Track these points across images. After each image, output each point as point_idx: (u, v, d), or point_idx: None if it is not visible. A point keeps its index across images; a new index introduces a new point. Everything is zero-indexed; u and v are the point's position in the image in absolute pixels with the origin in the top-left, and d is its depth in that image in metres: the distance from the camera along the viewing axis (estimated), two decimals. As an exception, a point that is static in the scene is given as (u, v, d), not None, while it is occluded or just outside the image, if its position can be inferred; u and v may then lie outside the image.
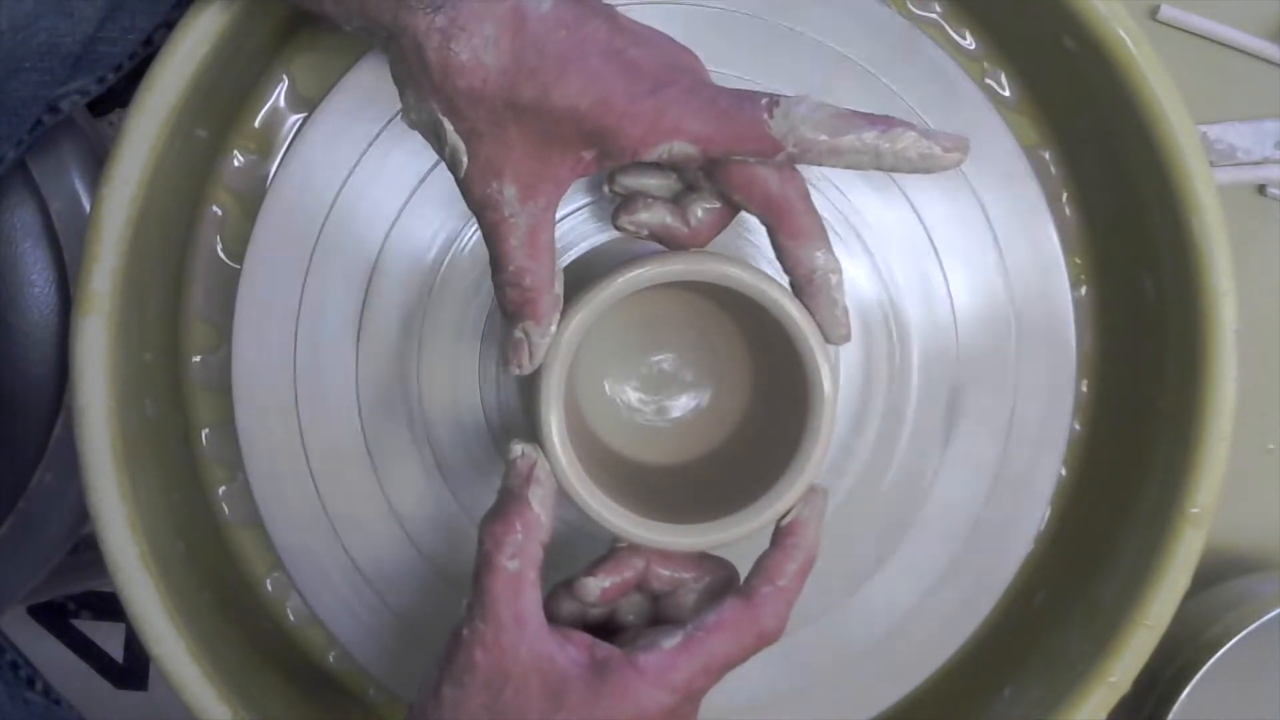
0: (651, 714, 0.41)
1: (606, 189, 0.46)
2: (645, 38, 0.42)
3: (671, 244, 0.45)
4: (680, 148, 0.41)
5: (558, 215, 0.51)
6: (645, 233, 0.45)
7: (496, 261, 0.43)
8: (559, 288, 0.44)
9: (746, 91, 0.42)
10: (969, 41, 0.54)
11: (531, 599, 0.42)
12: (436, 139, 0.42)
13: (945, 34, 0.54)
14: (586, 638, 0.43)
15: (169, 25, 0.47)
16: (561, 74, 0.40)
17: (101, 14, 0.45)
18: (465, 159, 0.42)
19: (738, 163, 0.43)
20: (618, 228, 0.45)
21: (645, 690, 0.41)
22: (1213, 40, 0.64)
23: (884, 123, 0.41)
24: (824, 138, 0.41)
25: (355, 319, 0.52)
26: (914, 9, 0.54)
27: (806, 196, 0.44)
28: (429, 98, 0.41)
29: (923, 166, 0.42)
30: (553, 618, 0.44)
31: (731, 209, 0.45)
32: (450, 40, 0.40)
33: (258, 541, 0.55)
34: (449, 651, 0.43)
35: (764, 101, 0.41)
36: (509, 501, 0.44)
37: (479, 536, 0.43)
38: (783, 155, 0.42)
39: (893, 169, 0.42)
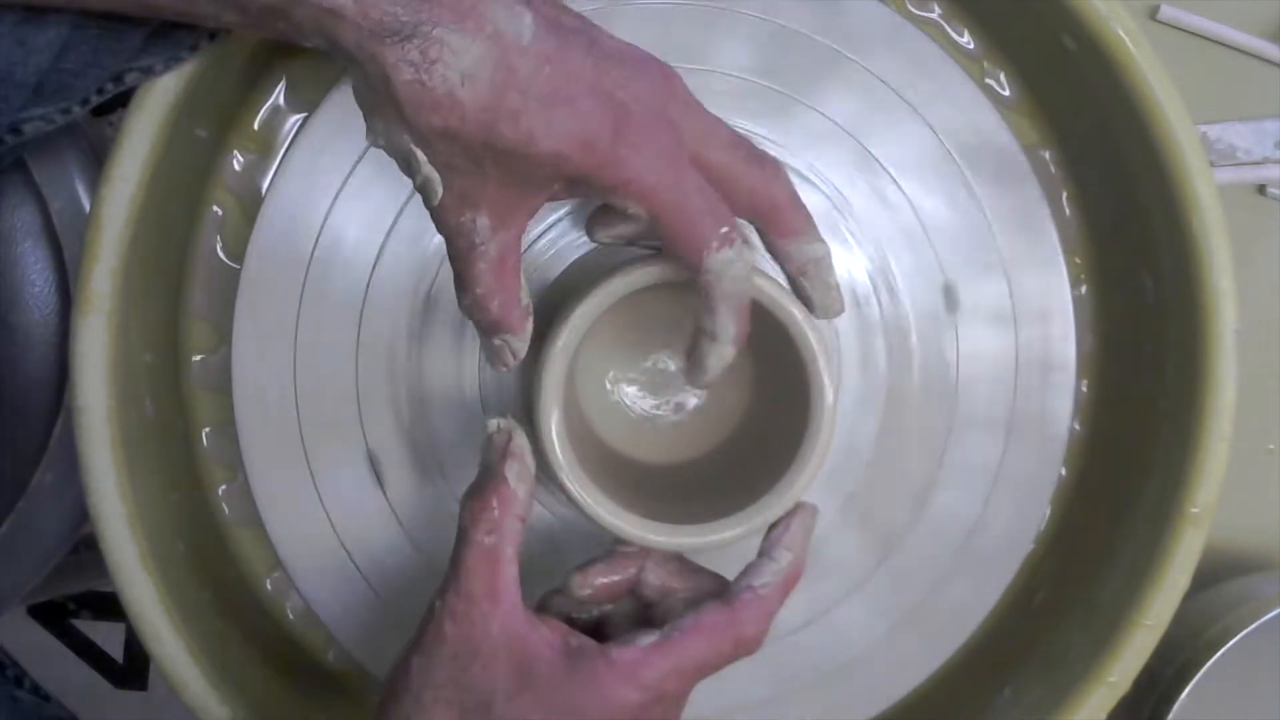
0: (618, 708, 0.41)
1: (591, 238, 0.45)
2: (630, 66, 0.41)
3: (652, 244, 0.45)
4: None
5: (555, 217, 0.52)
6: (624, 242, 0.45)
7: (463, 283, 0.43)
8: (526, 298, 0.44)
9: (747, 145, 0.43)
10: (968, 41, 0.54)
11: (507, 576, 0.42)
12: (407, 166, 0.41)
13: (945, 34, 0.54)
14: (562, 625, 0.43)
15: (144, 71, 0.46)
16: (547, 118, 0.39)
17: (55, 47, 0.44)
18: (439, 189, 0.41)
19: (728, 165, 0.43)
20: (594, 240, 0.45)
21: (614, 684, 0.41)
22: (1213, 40, 0.64)
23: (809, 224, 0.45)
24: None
25: (356, 318, 0.52)
26: (913, 9, 0.54)
27: (794, 194, 0.44)
28: (400, 129, 0.39)
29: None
30: (541, 613, 0.44)
31: None
32: (423, 73, 0.38)
33: (258, 541, 0.55)
34: (421, 624, 0.43)
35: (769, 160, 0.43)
36: (486, 478, 0.44)
37: (459, 512, 0.43)
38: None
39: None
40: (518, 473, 0.43)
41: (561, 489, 0.45)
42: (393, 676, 0.43)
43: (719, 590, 0.46)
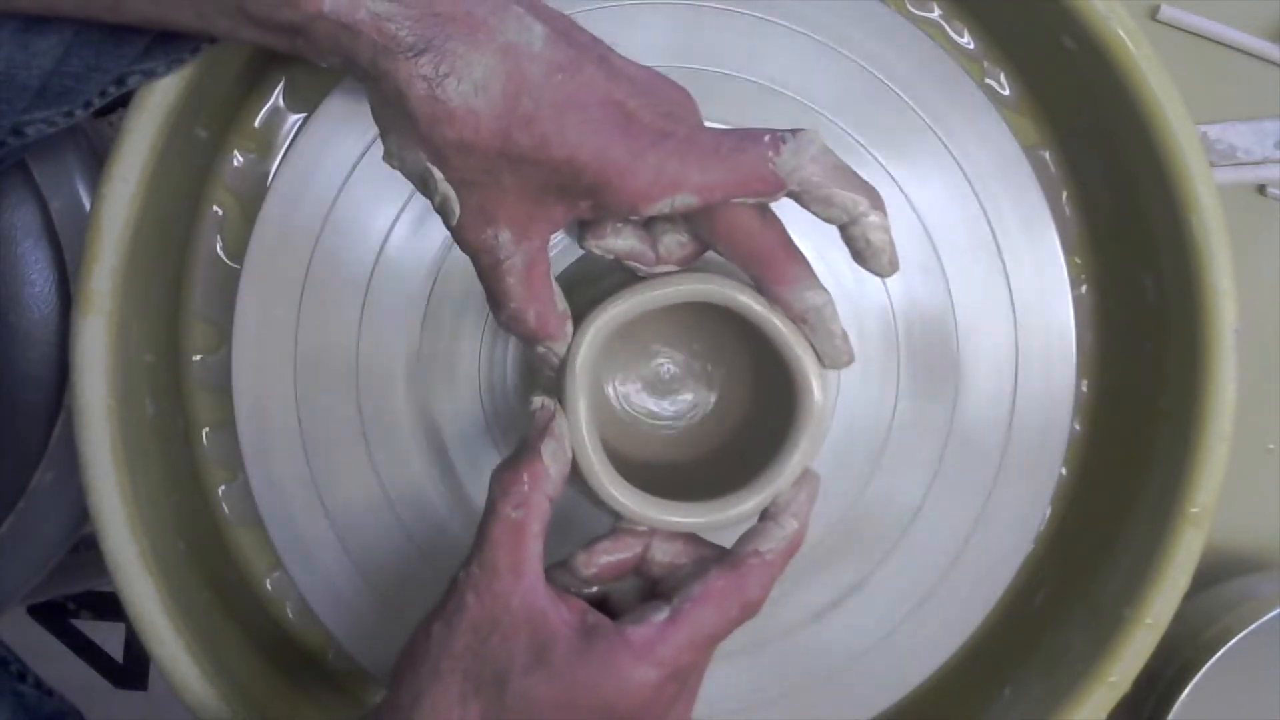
0: (634, 687, 0.41)
1: (581, 245, 0.45)
2: (641, 83, 0.41)
3: (638, 270, 0.45)
4: (682, 200, 0.41)
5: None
6: (611, 257, 0.44)
7: (495, 300, 0.43)
8: (562, 305, 0.44)
9: (744, 131, 0.41)
10: (968, 41, 0.54)
11: (532, 551, 0.42)
12: (424, 186, 0.41)
13: (944, 34, 0.54)
14: (581, 603, 0.43)
15: (147, 74, 0.47)
16: (560, 124, 0.39)
17: (58, 51, 0.44)
18: (458, 208, 0.41)
19: (724, 209, 0.42)
20: (584, 248, 0.45)
21: (630, 664, 0.41)
22: (1213, 40, 0.64)
23: (873, 194, 0.42)
24: (825, 185, 0.41)
25: (356, 318, 0.52)
26: (913, 9, 0.54)
27: (787, 240, 0.44)
28: (415, 147, 0.39)
29: (864, 253, 0.42)
30: None
31: (702, 245, 0.45)
32: (436, 87, 0.38)
33: (258, 541, 0.55)
34: (445, 594, 0.43)
35: (766, 139, 0.41)
36: (521, 452, 0.44)
37: (489, 485, 0.43)
38: (782, 193, 0.41)
39: (847, 238, 0.42)
40: (553, 451, 0.43)
41: (578, 467, 0.44)
42: (412, 643, 0.43)
43: (721, 557, 0.46)
